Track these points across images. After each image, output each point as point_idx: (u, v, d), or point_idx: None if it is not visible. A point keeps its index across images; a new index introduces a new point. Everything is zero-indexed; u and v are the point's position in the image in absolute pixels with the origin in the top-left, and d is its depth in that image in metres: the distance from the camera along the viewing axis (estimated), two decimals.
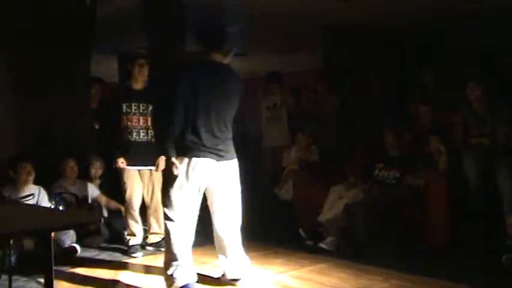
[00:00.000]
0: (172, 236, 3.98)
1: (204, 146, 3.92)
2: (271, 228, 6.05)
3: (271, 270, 4.66)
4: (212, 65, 4.08)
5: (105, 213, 5.87)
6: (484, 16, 6.53)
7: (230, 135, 4.09)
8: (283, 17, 7.16)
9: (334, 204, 5.53)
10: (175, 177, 3.93)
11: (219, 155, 3.98)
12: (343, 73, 7.71)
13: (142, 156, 5.16)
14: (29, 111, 5.79)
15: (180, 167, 3.91)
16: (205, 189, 4.04)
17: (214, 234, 4.19)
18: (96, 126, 6.49)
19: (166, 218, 4.02)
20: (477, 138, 5.21)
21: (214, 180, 4.02)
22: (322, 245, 5.30)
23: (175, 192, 3.95)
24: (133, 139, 5.18)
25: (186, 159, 3.92)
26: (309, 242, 5.43)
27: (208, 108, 3.94)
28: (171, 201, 3.97)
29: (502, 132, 5.12)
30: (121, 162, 5.17)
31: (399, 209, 5.25)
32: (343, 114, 7.19)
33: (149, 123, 5.23)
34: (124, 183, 5.24)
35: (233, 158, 4.10)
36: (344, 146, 6.84)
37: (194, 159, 3.91)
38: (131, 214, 5.27)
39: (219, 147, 3.98)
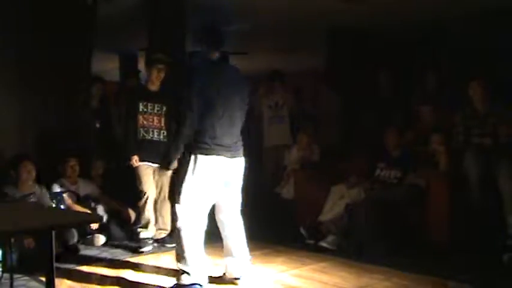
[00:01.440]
0: (183, 233, 4.00)
1: (217, 144, 3.97)
2: (272, 227, 6.04)
3: (272, 268, 4.66)
4: (220, 65, 4.17)
5: (101, 213, 5.79)
6: (485, 16, 6.53)
7: (239, 133, 4.15)
8: (286, 15, 7.17)
9: (335, 203, 5.53)
10: (190, 175, 3.98)
11: (231, 152, 4.04)
12: (345, 73, 7.71)
13: (156, 154, 5.24)
14: (30, 110, 5.79)
15: (194, 165, 3.97)
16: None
17: (220, 231, 4.23)
18: (97, 125, 6.51)
19: (179, 214, 4.03)
20: (478, 137, 5.21)
21: (226, 177, 4.06)
22: (324, 244, 5.30)
23: (189, 190, 3.99)
24: (149, 137, 5.34)
25: (200, 157, 3.96)
26: (310, 241, 5.44)
27: (219, 107, 4.00)
28: (185, 198, 4.01)
29: (503, 132, 5.12)
30: (135, 160, 5.26)
31: (400, 208, 5.25)
32: (345, 114, 7.19)
33: (163, 123, 5.37)
34: (139, 177, 5.28)
35: (242, 156, 4.16)
36: (345, 146, 6.84)
37: (208, 157, 3.96)
38: (145, 206, 5.28)
39: (231, 144, 4.04)
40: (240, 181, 4.19)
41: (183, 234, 4.00)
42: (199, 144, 3.97)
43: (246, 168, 4.21)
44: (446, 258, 4.79)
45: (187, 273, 3.98)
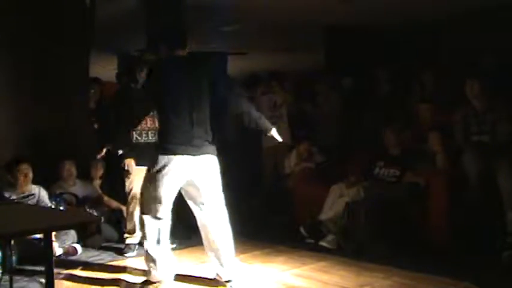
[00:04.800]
0: (148, 230, 4.07)
1: (179, 144, 3.94)
2: (272, 226, 6.04)
3: (272, 268, 4.66)
4: (177, 59, 4.11)
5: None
6: (483, 15, 6.55)
7: (206, 128, 4.06)
8: (284, 15, 7.17)
9: (335, 202, 5.53)
10: (152, 175, 4.00)
11: (194, 150, 3.97)
12: (343, 72, 7.71)
13: (150, 156, 5.18)
14: (28, 111, 5.78)
15: (157, 165, 3.97)
16: (183, 186, 4.05)
17: (201, 232, 4.16)
18: (95, 126, 6.50)
19: (143, 212, 4.10)
20: (477, 135, 5.21)
21: (191, 176, 4.00)
22: (323, 243, 5.31)
23: (152, 189, 4.01)
24: (142, 140, 5.23)
25: (162, 157, 3.96)
26: (310, 240, 5.45)
27: (180, 104, 3.97)
28: (148, 197, 4.04)
29: (502, 129, 5.12)
30: (128, 164, 5.18)
31: (399, 207, 5.24)
32: (344, 113, 7.19)
33: (156, 124, 5.22)
34: (131, 182, 5.22)
35: (210, 153, 4.05)
36: (344, 145, 6.84)
37: (170, 156, 3.94)
38: (132, 213, 5.28)
39: (194, 142, 3.97)
40: (214, 180, 4.07)
41: (148, 230, 4.05)
42: (161, 144, 4.02)
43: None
44: (446, 257, 4.78)
45: (155, 269, 4.09)
